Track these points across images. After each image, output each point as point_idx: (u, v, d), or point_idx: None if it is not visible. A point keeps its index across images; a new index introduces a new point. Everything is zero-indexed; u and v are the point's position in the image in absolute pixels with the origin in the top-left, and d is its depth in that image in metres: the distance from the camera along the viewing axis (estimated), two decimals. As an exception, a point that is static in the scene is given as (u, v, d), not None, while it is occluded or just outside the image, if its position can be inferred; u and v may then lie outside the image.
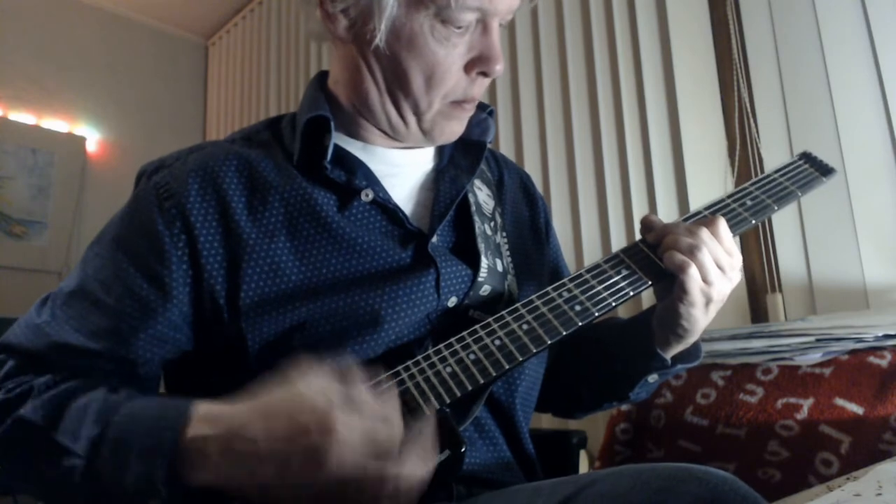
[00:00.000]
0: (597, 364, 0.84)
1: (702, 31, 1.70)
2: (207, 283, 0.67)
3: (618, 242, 1.66)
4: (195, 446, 0.53)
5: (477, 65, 0.70)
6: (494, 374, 0.62)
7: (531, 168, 1.85)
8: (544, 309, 0.66)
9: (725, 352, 1.12)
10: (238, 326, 0.66)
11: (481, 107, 0.82)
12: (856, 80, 1.42)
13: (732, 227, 0.72)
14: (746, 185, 0.78)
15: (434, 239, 0.72)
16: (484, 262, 0.74)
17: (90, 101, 3.09)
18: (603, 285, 0.68)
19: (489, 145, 0.83)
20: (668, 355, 0.74)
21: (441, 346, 0.64)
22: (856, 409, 0.92)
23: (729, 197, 0.77)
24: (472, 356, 0.62)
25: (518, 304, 0.67)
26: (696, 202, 1.54)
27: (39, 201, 2.86)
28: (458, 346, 0.63)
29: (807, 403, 0.96)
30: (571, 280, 0.68)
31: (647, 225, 0.73)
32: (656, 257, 0.69)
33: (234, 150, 0.74)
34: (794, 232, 1.49)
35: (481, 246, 0.75)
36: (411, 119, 0.73)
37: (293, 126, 0.77)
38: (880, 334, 0.99)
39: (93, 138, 3.08)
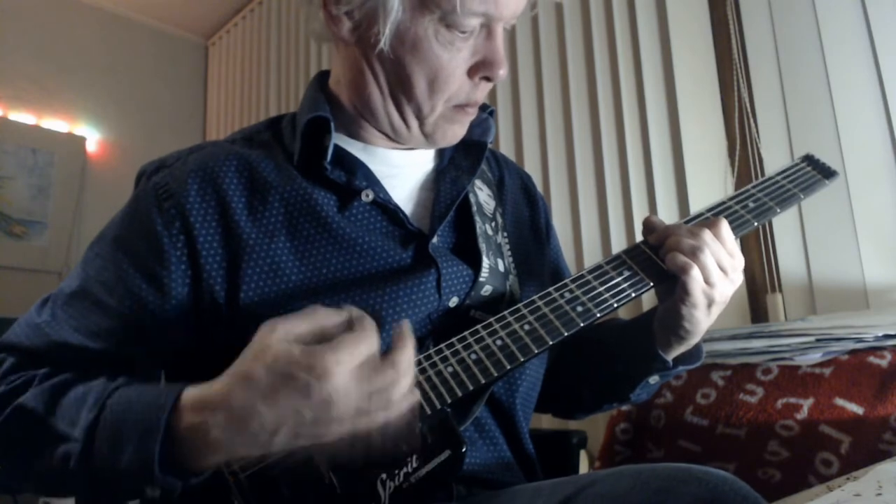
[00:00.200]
0: (598, 365, 0.84)
1: (702, 31, 1.70)
2: (207, 283, 0.67)
3: (618, 243, 1.66)
4: (193, 430, 0.53)
5: (480, 69, 0.70)
6: (496, 374, 0.62)
7: (531, 168, 1.85)
8: (546, 309, 0.66)
9: (725, 352, 1.12)
10: (238, 326, 0.66)
11: (482, 107, 0.82)
12: (856, 80, 1.42)
13: (735, 229, 0.72)
14: (748, 187, 0.78)
15: (435, 239, 0.72)
16: (485, 262, 0.74)
17: (90, 101, 3.09)
18: (605, 286, 0.68)
19: (489, 145, 0.83)
20: (670, 357, 0.74)
21: (442, 345, 0.64)
22: (856, 409, 0.92)
23: (731, 199, 0.77)
24: (473, 356, 0.63)
25: (520, 305, 0.67)
26: (697, 202, 1.54)
27: (39, 201, 2.85)
28: (459, 346, 0.63)
29: (807, 403, 0.96)
30: (573, 281, 0.68)
31: (648, 226, 0.73)
32: (658, 259, 0.70)
33: (234, 150, 0.74)
34: (794, 232, 1.50)
35: (482, 246, 0.75)
36: (413, 122, 0.73)
37: (293, 126, 0.77)
38: (880, 334, 0.99)
39: (93, 138, 3.08)
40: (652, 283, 0.69)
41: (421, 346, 0.68)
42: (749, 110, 1.60)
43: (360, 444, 0.52)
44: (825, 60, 1.47)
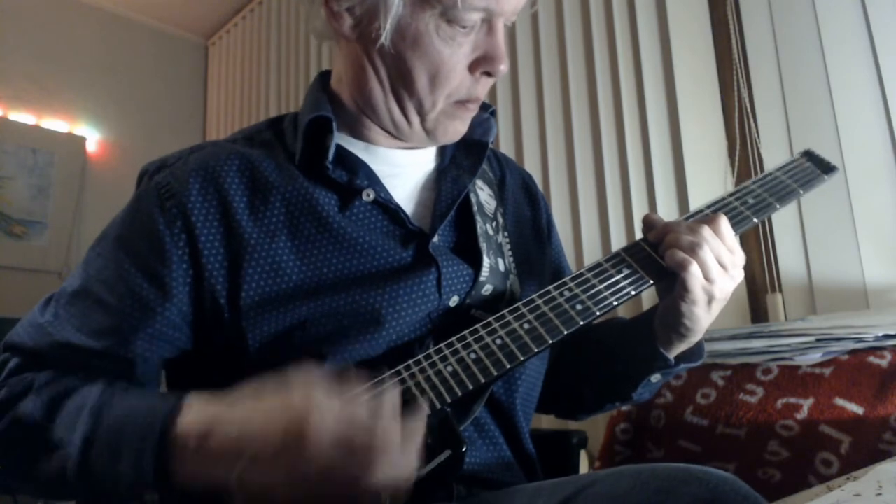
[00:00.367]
0: (598, 364, 0.84)
1: (702, 31, 1.70)
2: (208, 282, 0.67)
3: (618, 242, 1.66)
4: (178, 440, 0.54)
5: (481, 64, 0.70)
6: (496, 373, 0.62)
7: (531, 168, 1.85)
8: (545, 308, 0.66)
9: (725, 352, 1.12)
10: (239, 326, 0.66)
11: (483, 106, 0.82)
12: (856, 80, 1.42)
13: (735, 226, 0.72)
14: (748, 182, 0.78)
15: (435, 238, 0.72)
16: (486, 262, 0.74)
17: (90, 101, 3.09)
18: (604, 284, 0.68)
19: (490, 145, 0.83)
20: (671, 355, 0.74)
21: (442, 345, 0.64)
22: (856, 409, 0.92)
23: (731, 195, 0.76)
24: (472, 355, 0.63)
25: (519, 304, 0.67)
26: (696, 202, 1.54)
27: (39, 201, 2.85)
28: (459, 346, 0.63)
29: (807, 403, 0.96)
30: (573, 279, 0.68)
31: (648, 223, 0.73)
32: (658, 256, 0.69)
33: (235, 149, 0.74)
34: (794, 232, 1.49)
35: (483, 245, 0.75)
36: (415, 118, 0.73)
37: (295, 126, 0.77)
38: (880, 334, 0.99)
39: (93, 138, 3.08)
40: (652, 281, 0.69)
41: (421, 345, 0.68)
42: (749, 110, 1.60)
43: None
44: (825, 60, 1.47)
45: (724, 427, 1.03)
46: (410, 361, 0.63)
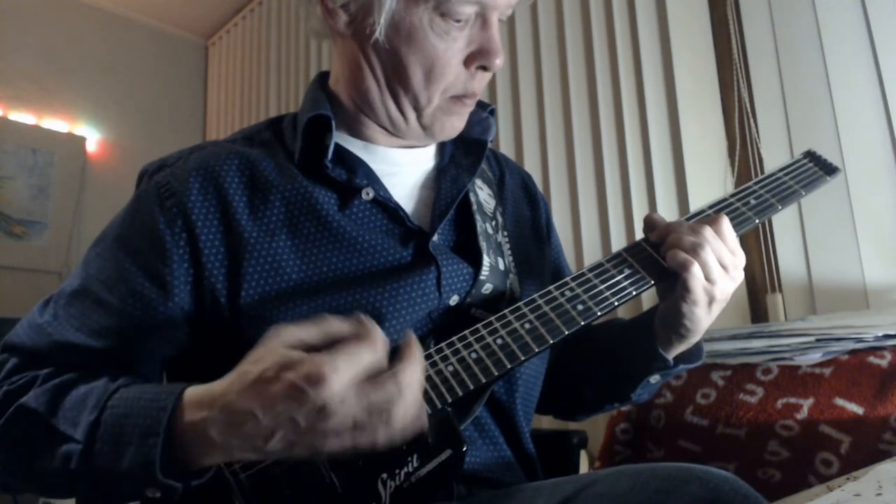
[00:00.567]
0: (598, 365, 0.84)
1: (702, 31, 1.70)
2: (208, 281, 0.67)
3: (618, 242, 1.66)
4: (193, 428, 0.53)
5: (477, 59, 0.70)
6: (496, 373, 0.62)
7: (531, 168, 1.85)
8: (547, 308, 0.66)
9: (725, 352, 1.12)
10: (239, 325, 0.66)
11: (482, 105, 0.82)
12: (856, 80, 1.42)
13: (736, 227, 0.72)
14: (750, 184, 0.78)
15: (435, 237, 0.72)
16: (486, 261, 0.74)
17: (90, 101, 3.09)
18: (605, 284, 0.68)
19: (490, 144, 0.83)
20: (671, 356, 0.74)
21: (443, 344, 0.64)
22: (856, 409, 0.92)
23: (732, 196, 0.76)
24: (473, 355, 0.62)
25: (521, 303, 0.66)
26: (697, 202, 1.54)
27: (39, 201, 2.85)
28: (459, 345, 0.63)
29: (807, 403, 0.96)
30: (574, 279, 0.68)
31: (649, 224, 0.73)
32: (659, 256, 0.69)
33: (235, 149, 0.74)
34: (794, 232, 1.50)
35: (483, 244, 0.75)
36: (411, 114, 0.73)
37: (294, 125, 0.77)
38: (880, 334, 0.99)
39: (93, 138, 3.08)
40: (653, 281, 0.69)
41: (421, 344, 0.68)
42: (749, 110, 1.60)
43: (361, 450, 0.51)
44: (825, 60, 1.47)
45: (724, 427, 1.03)
46: (411, 361, 0.63)
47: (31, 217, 2.82)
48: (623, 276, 0.69)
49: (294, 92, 2.87)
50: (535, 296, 0.67)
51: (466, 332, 0.64)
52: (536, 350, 0.63)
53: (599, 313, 0.66)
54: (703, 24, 1.71)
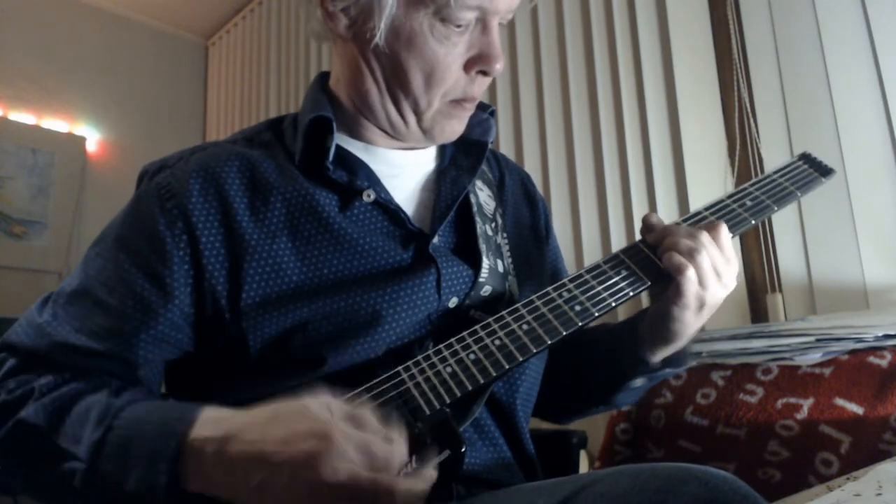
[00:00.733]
0: (582, 367, 0.84)
1: (702, 31, 1.70)
2: (209, 283, 0.67)
3: (618, 242, 1.66)
4: (194, 451, 0.53)
5: (477, 63, 0.70)
6: (494, 374, 0.62)
7: (531, 168, 1.85)
8: (544, 309, 0.66)
9: (725, 352, 1.12)
10: (239, 327, 0.66)
11: (482, 107, 0.82)
12: (856, 80, 1.42)
13: (732, 228, 0.72)
14: (746, 185, 0.78)
15: (435, 239, 0.72)
16: (485, 263, 0.74)
17: (90, 101, 3.09)
18: (603, 286, 0.68)
19: (490, 146, 0.83)
20: (655, 359, 0.74)
21: (441, 346, 0.64)
22: (856, 409, 0.92)
23: (729, 197, 0.77)
24: (472, 356, 0.63)
25: (518, 305, 0.67)
26: (696, 202, 1.54)
27: (39, 201, 2.85)
28: (458, 347, 0.63)
29: (807, 403, 0.96)
30: (571, 280, 0.68)
31: (647, 225, 0.73)
32: (656, 258, 0.70)
33: (235, 150, 0.74)
34: (794, 232, 1.49)
35: (482, 246, 0.75)
36: (411, 118, 0.73)
37: (295, 127, 0.77)
38: (880, 334, 0.99)
39: (93, 138, 3.08)
40: (649, 282, 0.69)
41: (420, 346, 0.68)
42: (749, 110, 1.60)
43: None
44: (825, 60, 1.47)
45: (724, 427, 1.03)
46: (409, 362, 0.63)
47: (31, 217, 2.82)
48: (620, 277, 0.69)
49: (294, 92, 2.87)
50: (533, 297, 0.67)
51: (465, 333, 0.65)
52: (534, 351, 0.63)
53: (597, 314, 0.66)
54: (703, 24, 1.71)
